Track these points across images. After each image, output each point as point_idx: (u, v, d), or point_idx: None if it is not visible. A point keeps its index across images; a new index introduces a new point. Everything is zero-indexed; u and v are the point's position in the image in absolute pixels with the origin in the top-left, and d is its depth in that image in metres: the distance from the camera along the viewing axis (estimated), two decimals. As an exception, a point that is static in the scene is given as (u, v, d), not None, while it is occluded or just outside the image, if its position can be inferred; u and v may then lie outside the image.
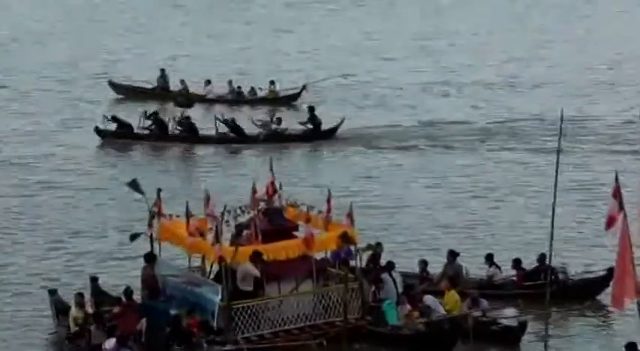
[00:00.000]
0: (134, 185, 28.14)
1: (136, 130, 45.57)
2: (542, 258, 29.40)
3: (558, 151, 22.78)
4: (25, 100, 53.09)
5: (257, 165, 40.50)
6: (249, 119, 45.67)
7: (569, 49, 64.21)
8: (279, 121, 45.40)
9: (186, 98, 45.82)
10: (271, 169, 28.05)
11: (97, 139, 45.40)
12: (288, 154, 43.68)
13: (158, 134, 45.26)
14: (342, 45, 65.75)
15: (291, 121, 45.57)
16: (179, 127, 45.27)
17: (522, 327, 26.69)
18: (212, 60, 60.40)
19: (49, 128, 47.85)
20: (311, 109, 45.86)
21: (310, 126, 45.20)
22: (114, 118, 45.78)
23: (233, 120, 45.26)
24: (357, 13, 77.42)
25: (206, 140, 45.34)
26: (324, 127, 45.35)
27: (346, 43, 66.27)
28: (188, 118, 45.39)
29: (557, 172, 22.05)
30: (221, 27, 70.84)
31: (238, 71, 56.20)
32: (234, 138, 45.16)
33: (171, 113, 48.23)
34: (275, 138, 44.76)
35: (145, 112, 45.88)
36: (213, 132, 45.30)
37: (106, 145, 45.18)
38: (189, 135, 45.17)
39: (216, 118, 45.27)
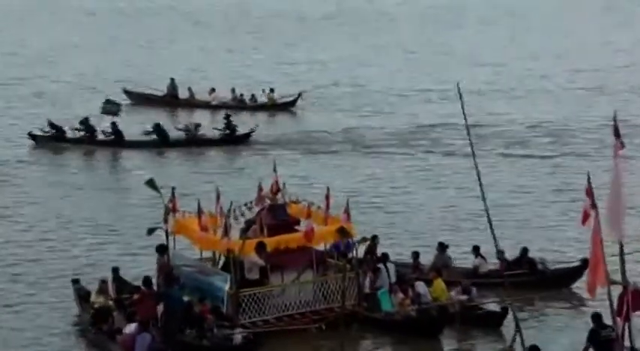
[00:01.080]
0: (151, 184, 28.21)
1: (68, 135, 45.51)
2: (524, 251, 29.58)
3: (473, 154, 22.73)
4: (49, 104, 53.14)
5: (178, 166, 42.01)
6: (175, 125, 45.75)
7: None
8: (197, 127, 45.34)
9: (113, 106, 45.34)
10: (275, 170, 28.17)
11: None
12: (205, 156, 43.94)
13: (88, 139, 45.13)
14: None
15: (209, 127, 45.66)
16: (107, 131, 45.18)
17: (504, 312, 26.72)
18: (227, 70, 60.32)
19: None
20: (227, 116, 45.77)
21: (227, 131, 45.13)
22: (50, 124, 45.72)
23: (158, 125, 45.19)
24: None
25: (132, 144, 45.21)
26: (239, 132, 45.60)
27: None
28: (115, 124, 45.18)
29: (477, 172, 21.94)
30: (235, 41, 70.72)
31: (250, 81, 55.94)
32: (157, 142, 45.00)
33: (178, 119, 49.05)
34: (195, 142, 44.77)
35: (87, 118, 45.77)
36: (142, 137, 45.34)
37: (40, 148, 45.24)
38: (117, 139, 44.99)
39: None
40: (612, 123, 19.77)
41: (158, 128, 44.78)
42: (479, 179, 20.34)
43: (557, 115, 49.68)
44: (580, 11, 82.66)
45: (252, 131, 45.24)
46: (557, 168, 40.86)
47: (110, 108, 45.00)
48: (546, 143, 44.83)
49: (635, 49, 66.78)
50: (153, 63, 63.03)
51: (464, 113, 21.07)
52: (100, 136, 45.31)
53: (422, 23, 78.54)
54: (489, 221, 19.71)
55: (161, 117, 50.28)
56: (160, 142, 44.74)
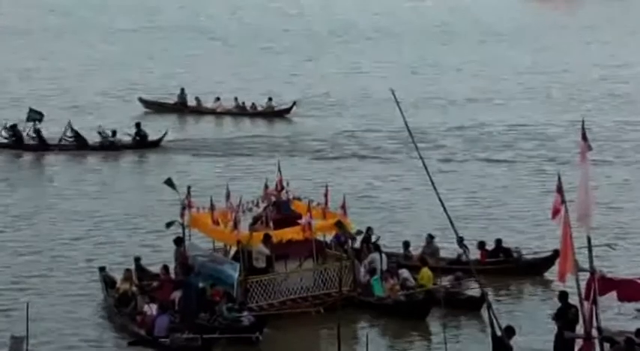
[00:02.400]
0: (169, 183, 28.30)
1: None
2: (498, 242, 29.64)
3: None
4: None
5: (94, 168, 41.97)
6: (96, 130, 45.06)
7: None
8: (114, 133, 44.78)
9: (36, 114, 44.63)
10: (279, 170, 28.23)
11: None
12: (119, 159, 43.49)
13: (14, 144, 44.54)
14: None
15: (122, 133, 44.97)
16: (33, 136, 44.57)
17: (483, 297, 26.70)
18: (240, 81, 60.24)
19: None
20: (137, 124, 45.25)
21: (137, 137, 44.73)
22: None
23: (77, 132, 44.65)
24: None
25: (54, 148, 44.44)
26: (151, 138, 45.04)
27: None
28: (38, 130, 44.55)
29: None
30: (249, 55, 70.71)
31: (257, 90, 55.77)
32: (75, 145, 44.47)
33: (186, 125, 49.55)
34: (110, 147, 44.37)
35: (6, 124, 45.15)
36: (65, 141, 44.68)
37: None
38: (40, 144, 44.43)
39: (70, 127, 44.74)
40: (580, 128, 19.90)
41: (77, 134, 44.53)
42: (431, 182, 20.24)
43: (538, 120, 49.60)
44: (565, 30, 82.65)
45: (163, 136, 44.96)
46: (534, 170, 40.65)
47: (33, 116, 44.57)
48: (530, 147, 44.65)
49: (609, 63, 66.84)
50: (175, 75, 62.71)
51: (404, 118, 20.98)
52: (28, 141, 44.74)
53: (420, 40, 78.40)
54: (448, 217, 19.66)
55: (171, 122, 50.13)
56: (79, 146, 44.45)
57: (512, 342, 20.24)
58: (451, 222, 19.85)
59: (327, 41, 78.13)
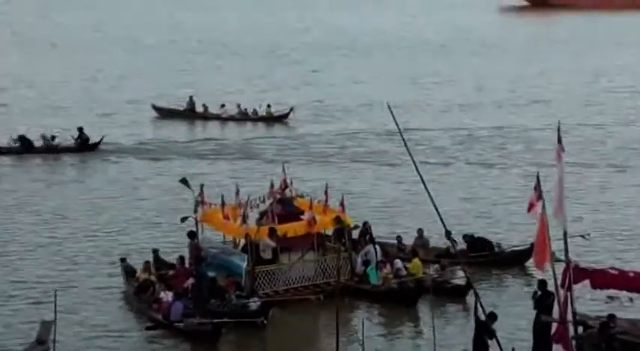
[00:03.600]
0: (184, 182, 28.21)
1: None
2: (473, 237, 29.63)
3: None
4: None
5: (37, 168, 41.74)
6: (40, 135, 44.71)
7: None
8: (53, 137, 44.43)
9: None
10: (284, 171, 28.19)
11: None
12: (62, 161, 43.15)
13: None
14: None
15: (65, 136, 44.65)
16: None
17: (467, 285, 26.68)
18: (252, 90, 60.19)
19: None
20: (80, 129, 44.82)
21: (79, 140, 44.42)
22: None
23: (22, 136, 44.43)
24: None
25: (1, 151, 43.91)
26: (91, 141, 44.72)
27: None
28: None
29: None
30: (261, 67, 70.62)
31: (262, 97, 55.65)
32: (22, 149, 44.03)
33: (194, 129, 49.47)
34: (52, 150, 44.10)
35: None
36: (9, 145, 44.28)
37: None
38: None
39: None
40: (556, 131, 19.83)
41: (22, 138, 44.31)
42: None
43: (524, 124, 49.63)
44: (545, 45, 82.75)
45: (101, 140, 44.73)
46: (516, 170, 40.63)
47: None
48: (518, 149, 44.55)
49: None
50: (194, 83, 62.73)
51: (397, 126, 20.87)
52: None
53: (415, 53, 78.51)
54: (437, 212, 19.53)
55: (181, 127, 50.36)
56: (24, 149, 44.11)
57: (494, 326, 20.18)
58: (440, 216, 19.71)
59: (333, 54, 78.17)
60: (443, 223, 19.99)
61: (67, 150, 44.29)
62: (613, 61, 72.62)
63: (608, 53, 77.32)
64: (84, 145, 44.47)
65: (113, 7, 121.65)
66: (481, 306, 19.76)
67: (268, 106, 51.85)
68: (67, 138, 44.52)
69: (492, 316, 20.55)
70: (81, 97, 58.58)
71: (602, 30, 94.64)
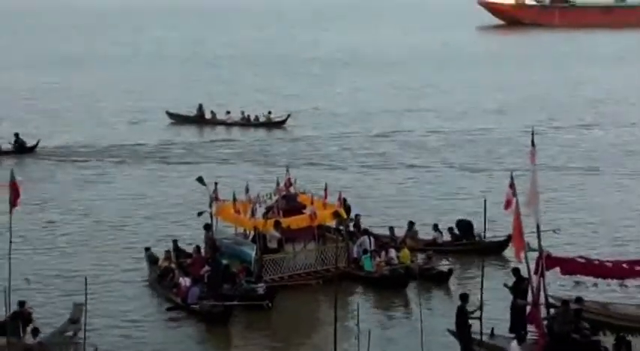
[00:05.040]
0: (200, 180, 28.14)
1: None
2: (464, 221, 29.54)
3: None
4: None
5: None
6: None
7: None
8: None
9: None
10: (287, 171, 28.14)
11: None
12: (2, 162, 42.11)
13: None
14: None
15: (2, 141, 44.01)
16: None
17: (450, 272, 26.71)
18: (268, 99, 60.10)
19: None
20: (16, 134, 44.30)
21: (16, 144, 43.82)
22: None
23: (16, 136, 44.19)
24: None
25: None
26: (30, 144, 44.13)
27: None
28: None
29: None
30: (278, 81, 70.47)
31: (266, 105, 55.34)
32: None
33: (203, 133, 49.18)
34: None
35: None
36: None
37: None
38: None
39: None
40: (530, 136, 19.88)
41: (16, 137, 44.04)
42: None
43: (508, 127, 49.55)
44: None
45: (37, 144, 44.22)
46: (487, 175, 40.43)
47: None
48: (504, 151, 44.13)
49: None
50: (213, 93, 62.58)
51: None
52: None
53: (413, 66, 78.49)
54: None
55: (191, 131, 50.27)
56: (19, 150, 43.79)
57: (468, 307, 20.26)
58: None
59: (338, 67, 78.01)
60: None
61: (5, 153, 43.14)
62: (580, 73, 72.54)
63: (576, 66, 77.24)
64: (21, 149, 43.59)
65: (140, 27, 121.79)
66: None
67: (269, 112, 51.84)
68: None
69: (464, 297, 20.77)
70: (114, 105, 58.62)
71: (571, 46, 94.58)
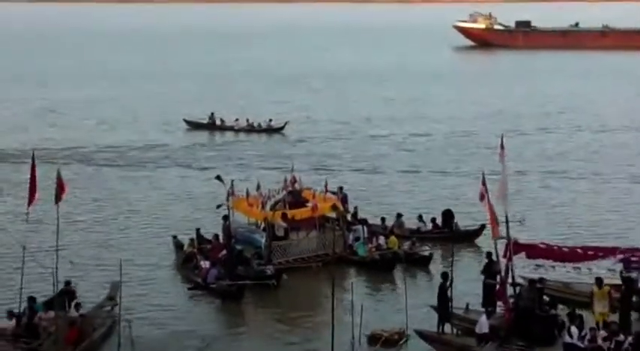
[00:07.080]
0: (219, 178, 27.96)
1: None
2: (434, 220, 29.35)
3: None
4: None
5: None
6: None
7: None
8: None
9: None
10: (292, 170, 27.93)
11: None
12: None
13: None
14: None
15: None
16: None
17: (431, 256, 26.54)
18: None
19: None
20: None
21: None
22: None
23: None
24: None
25: None
26: None
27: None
28: None
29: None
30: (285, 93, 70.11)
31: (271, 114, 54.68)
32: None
33: (214, 137, 48.85)
34: None
35: None
36: None
37: None
38: None
39: None
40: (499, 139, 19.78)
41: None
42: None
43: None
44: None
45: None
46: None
47: None
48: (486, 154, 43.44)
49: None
50: (235, 104, 62.28)
51: None
52: None
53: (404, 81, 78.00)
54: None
55: (203, 136, 49.91)
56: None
57: (447, 284, 20.14)
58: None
59: (334, 82, 77.69)
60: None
61: None
62: (543, 88, 72.29)
63: (538, 82, 76.98)
64: None
65: (165, 48, 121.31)
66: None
67: (270, 120, 51.70)
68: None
69: (444, 276, 20.53)
70: (151, 114, 58.40)
71: (533, 65, 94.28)
